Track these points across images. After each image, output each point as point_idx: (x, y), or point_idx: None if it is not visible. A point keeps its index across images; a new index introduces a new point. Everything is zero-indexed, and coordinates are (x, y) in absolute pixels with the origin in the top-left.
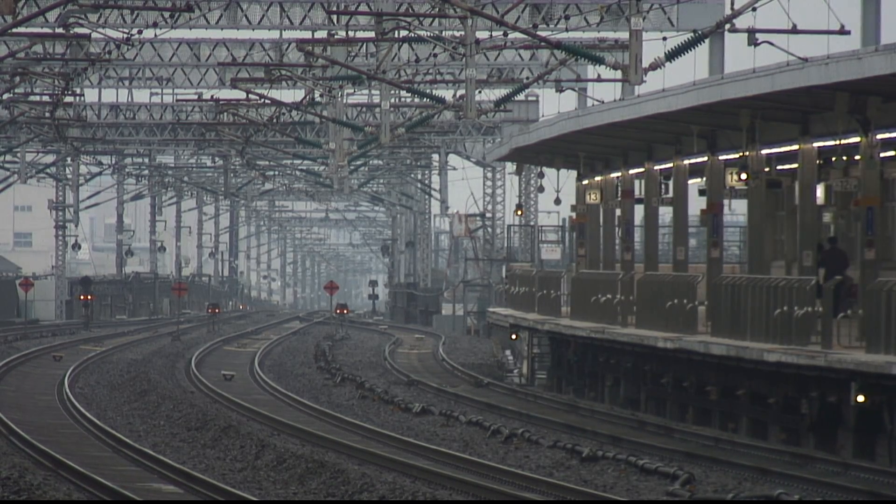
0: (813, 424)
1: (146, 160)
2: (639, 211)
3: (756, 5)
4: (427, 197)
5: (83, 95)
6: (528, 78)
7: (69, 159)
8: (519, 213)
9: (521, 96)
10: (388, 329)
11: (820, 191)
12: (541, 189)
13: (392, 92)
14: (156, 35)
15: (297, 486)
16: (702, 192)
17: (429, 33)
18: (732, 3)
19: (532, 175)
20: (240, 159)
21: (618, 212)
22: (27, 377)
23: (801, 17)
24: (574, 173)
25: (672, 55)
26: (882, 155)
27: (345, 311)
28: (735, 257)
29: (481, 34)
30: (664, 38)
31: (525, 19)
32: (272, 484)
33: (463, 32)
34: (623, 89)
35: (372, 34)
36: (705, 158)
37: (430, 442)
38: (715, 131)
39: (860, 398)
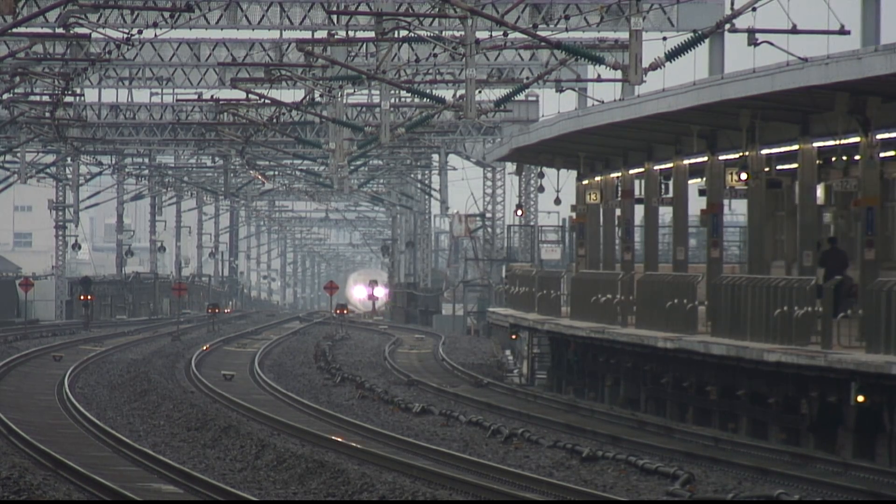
0: (813, 424)
1: (146, 160)
2: (639, 211)
3: (756, 5)
4: (427, 197)
5: (83, 95)
6: (528, 78)
7: (69, 159)
8: (519, 213)
9: (521, 96)
10: (387, 329)
11: (820, 191)
12: (541, 189)
13: (392, 92)
14: (156, 35)
15: (297, 486)
16: (702, 192)
17: (429, 33)
18: (732, 3)
19: (532, 175)
20: (240, 159)
21: (618, 212)
22: (27, 377)
23: (801, 17)
24: (574, 173)
25: (672, 55)
26: (882, 155)
27: (345, 312)
28: (735, 257)
29: (481, 34)
30: (664, 38)
31: (525, 19)
32: (272, 484)
33: (463, 32)
34: (623, 89)
35: (372, 34)
36: (705, 158)
37: (430, 442)
38: (715, 131)
39: (860, 398)
